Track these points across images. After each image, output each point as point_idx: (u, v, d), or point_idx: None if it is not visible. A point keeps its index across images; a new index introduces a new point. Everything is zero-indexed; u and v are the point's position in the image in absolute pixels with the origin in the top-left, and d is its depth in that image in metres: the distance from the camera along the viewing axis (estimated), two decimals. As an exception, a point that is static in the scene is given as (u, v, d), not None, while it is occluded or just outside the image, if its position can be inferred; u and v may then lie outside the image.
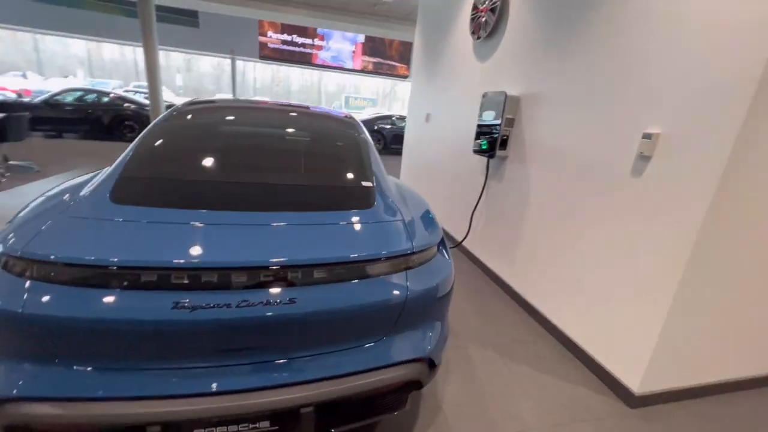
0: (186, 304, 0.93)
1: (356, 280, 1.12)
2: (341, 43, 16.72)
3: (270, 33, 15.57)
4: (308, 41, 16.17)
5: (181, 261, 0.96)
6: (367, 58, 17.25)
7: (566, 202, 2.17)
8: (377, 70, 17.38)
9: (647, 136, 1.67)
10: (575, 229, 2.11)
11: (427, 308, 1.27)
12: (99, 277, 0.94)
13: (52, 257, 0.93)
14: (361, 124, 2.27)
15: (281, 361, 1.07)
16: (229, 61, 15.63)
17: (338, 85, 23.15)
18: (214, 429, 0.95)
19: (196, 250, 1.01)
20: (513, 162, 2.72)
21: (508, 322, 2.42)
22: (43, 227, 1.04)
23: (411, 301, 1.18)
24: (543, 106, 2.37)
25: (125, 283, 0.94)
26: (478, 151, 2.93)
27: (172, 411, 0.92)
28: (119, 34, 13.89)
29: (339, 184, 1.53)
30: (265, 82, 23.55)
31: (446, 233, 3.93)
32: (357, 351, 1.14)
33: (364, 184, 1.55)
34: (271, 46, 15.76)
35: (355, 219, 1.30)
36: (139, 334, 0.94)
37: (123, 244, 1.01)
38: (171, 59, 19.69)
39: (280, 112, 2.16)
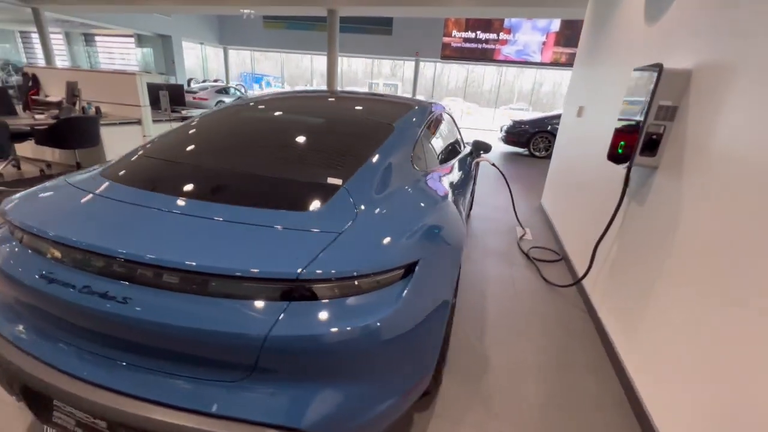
0: (44, 274, 0.93)
1: (210, 297, 0.87)
2: (530, 34, 15.20)
3: (454, 32, 15.68)
4: (491, 36, 15.43)
5: (61, 234, 0.96)
6: (560, 49, 15.11)
7: (756, 260, 1.16)
8: (572, 62, 14.99)
9: None
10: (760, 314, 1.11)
11: (313, 360, 0.89)
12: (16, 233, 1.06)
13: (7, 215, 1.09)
14: (421, 116, 1.88)
15: (120, 362, 0.94)
16: (431, 64, 16.64)
17: (536, 83, 21.38)
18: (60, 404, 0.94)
19: (90, 227, 1.00)
20: (666, 175, 1.71)
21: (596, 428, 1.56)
22: (46, 185, 1.26)
23: (279, 342, 0.84)
24: (738, 83, 1.34)
25: (23, 243, 1.04)
26: (613, 158, 1.99)
27: (24, 371, 0.94)
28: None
29: (305, 179, 1.26)
30: (459, 83, 24.11)
31: (569, 265, 2.96)
32: (201, 384, 0.90)
33: (331, 181, 1.23)
34: (453, 45, 15.87)
35: (274, 221, 1.02)
36: (15, 290, 1.00)
37: (59, 210, 1.09)
38: (373, 65, 22.80)
39: (325, 101, 2.03)
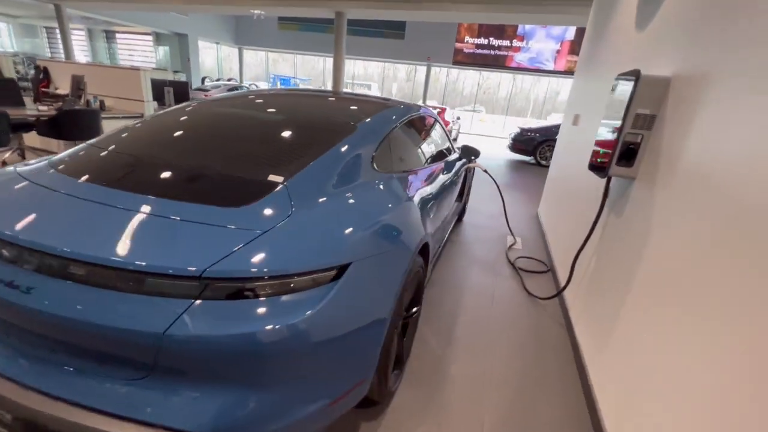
0: None
1: (112, 290, 0.84)
2: (544, 42, 15.05)
3: (467, 38, 15.61)
4: (504, 43, 15.32)
5: None
6: (574, 58, 14.90)
7: (731, 281, 1.09)
8: (584, 71, 14.74)
9: None
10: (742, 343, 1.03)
11: (216, 363, 0.85)
12: None
13: None
14: (393, 117, 1.85)
15: (24, 353, 0.91)
16: (442, 70, 16.55)
17: (553, 92, 21.11)
18: None
19: (25, 216, 0.98)
20: (642, 187, 1.63)
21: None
22: None
23: (177, 342, 0.80)
24: (717, 90, 1.26)
25: None
26: (593, 167, 1.91)
27: None
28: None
29: (246, 175, 1.22)
30: (474, 89, 23.93)
31: (555, 277, 2.86)
32: (105, 381, 0.87)
33: (272, 179, 1.19)
34: (465, 51, 15.80)
35: (198, 216, 0.99)
36: None
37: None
38: (389, 69, 22.87)
39: (296, 100, 2.00)
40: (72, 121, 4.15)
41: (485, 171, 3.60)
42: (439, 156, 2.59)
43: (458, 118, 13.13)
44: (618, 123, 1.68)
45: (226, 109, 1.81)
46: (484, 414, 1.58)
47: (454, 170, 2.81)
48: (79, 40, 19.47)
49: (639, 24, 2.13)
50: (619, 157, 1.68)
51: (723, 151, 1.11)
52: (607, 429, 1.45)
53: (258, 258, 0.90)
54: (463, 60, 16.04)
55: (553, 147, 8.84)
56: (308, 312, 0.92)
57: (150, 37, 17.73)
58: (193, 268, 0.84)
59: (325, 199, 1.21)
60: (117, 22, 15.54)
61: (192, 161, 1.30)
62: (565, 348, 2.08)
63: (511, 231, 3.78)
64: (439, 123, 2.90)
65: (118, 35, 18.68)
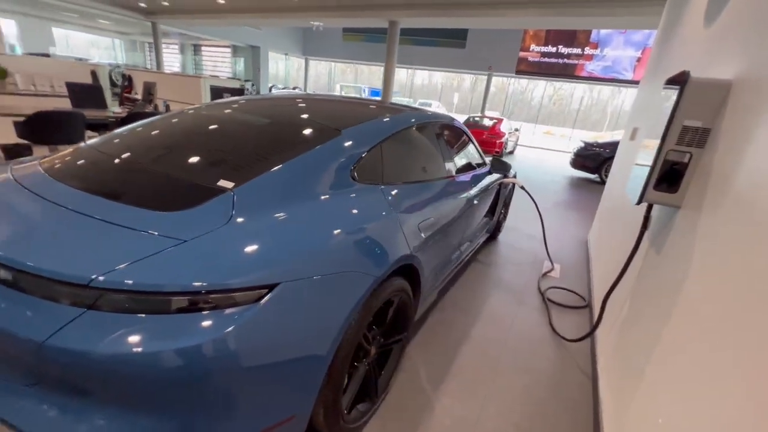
0: None
1: (17, 292, 0.81)
2: (621, 49, 13.73)
3: (532, 46, 14.81)
4: (575, 51, 14.24)
5: None
6: (657, 66, 13.36)
7: None
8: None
9: None
10: None
11: (99, 382, 0.78)
12: None
13: None
14: (394, 123, 1.72)
15: None
16: (509, 80, 15.94)
17: (624, 103, 19.29)
18: None
19: None
20: (689, 216, 1.28)
21: None
22: None
23: (56, 353, 0.74)
24: None
25: None
26: (635, 193, 1.57)
27: None
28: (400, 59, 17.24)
29: (195, 179, 1.15)
30: (544, 100, 22.68)
31: (591, 315, 2.46)
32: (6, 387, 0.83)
33: (220, 184, 1.10)
34: (529, 59, 14.99)
35: (119, 217, 0.94)
36: None
37: None
38: (448, 78, 22.61)
39: (290, 104, 1.94)
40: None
41: (522, 187, 3.26)
42: (460, 168, 2.37)
43: (516, 130, 12.42)
44: (657, 139, 1.35)
45: (213, 112, 1.79)
46: (461, 473, 1.34)
47: (480, 184, 2.56)
48: (173, 53, 22.11)
49: (708, 18, 1.74)
50: (658, 180, 1.35)
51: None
52: None
53: (164, 270, 0.82)
54: (526, 69, 15.23)
55: (621, 164, 7.97)
56: (211, 336, 0.81)
57: (229, 50, 19.54)
58: (81, 275, 0.78)
59: (278, 209, 1.10)
60: (202, 36, 17.39)
61: (151, 163, 1.27)
62: (584, 405, 1.73)
63: (549, 256, 3.37)
64: (465, 133, 2.68)
65: (203, 48, 20.88)
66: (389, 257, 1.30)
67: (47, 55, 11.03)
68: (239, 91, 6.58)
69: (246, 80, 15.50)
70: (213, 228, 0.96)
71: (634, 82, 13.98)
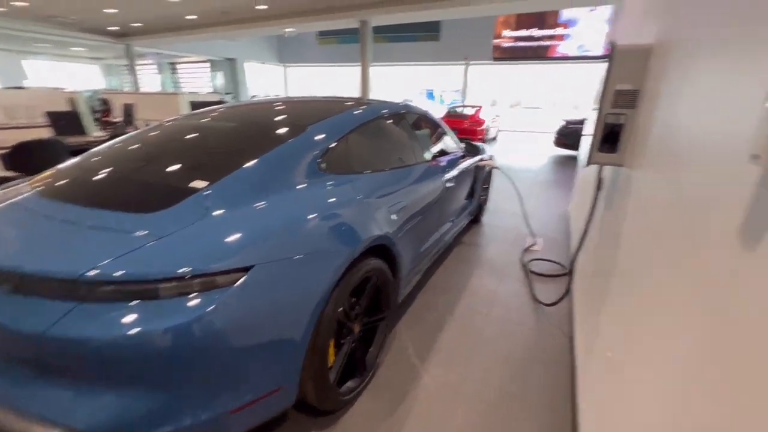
0: None
1: (19, 294, 0.92)
2: (590, 26, 13.94)
3: (504, 32, 14.98)
4: (546, 33, 14.43)
5: None
6: (628, 40, 13.56)
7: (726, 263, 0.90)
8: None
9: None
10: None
11: (97, 363, 0.89)
12: None
13: None
14: (357, 116, 1.82)
15: None
16: (486, 68, 15.97)
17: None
18: None
19: None
20: (629, 173, 1.40)
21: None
22: None
23: (57, 342, 0.86)
24: (695, 60, 1.04)
25: None
26: (585, 157, 1.70)
27: None
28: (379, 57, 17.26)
29: (172, 182, 1.27)
30: (522, 86, 23.01)
31: (571, 280, 2.58)
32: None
33: (194, 184, 1.21)
34: (504, 45, 15.16)
35: (104, 222, 1.05)
36: None
37: None
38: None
39: (260, 107, 2.08)
40: (119, 145, 4.67)
41: (497, 168, 3.38)
42: (431, 155, 2.48)
43: (497, 116, 12.57)
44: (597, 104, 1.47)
45: (188, 122, 1.91)
46: (448, 430, 1.45)
47: (454, 169, 2.67)
48: (152, 73, 21.97)
49: (640, -10, 1.87)
50: (601, 142, 1.47)
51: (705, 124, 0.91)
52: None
53: (148, 261, 0.92)
54: (502, 55, 15.40)
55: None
56: (196, 315, 0.91)
57: (207, 65, 19.50)
58: (72, 270, 0.88)
59: (250, 201, 1.20)
60: (178, 54, 17.34)
61: (131, 173, 1.39)
62: (562, 359, 1.85)
63: (530, 231, 3.50)
64: (435, 121, 2.79)
65: (180, 66, 20.80)
66: (359, 237, 1.40)
67: (22, 88, 10.98)
68: (220, 103, 6.64)
69: (227, 93, 15.51)
70: (191, 222, 1.06)
71: (605, 57, 14.17)
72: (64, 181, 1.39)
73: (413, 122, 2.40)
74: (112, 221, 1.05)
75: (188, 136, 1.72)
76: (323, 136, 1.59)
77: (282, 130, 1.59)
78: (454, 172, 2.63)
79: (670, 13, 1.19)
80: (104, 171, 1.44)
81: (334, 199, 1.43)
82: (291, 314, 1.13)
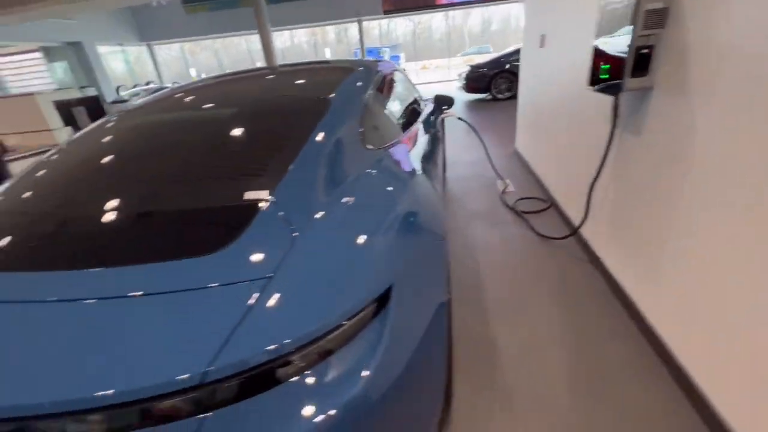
0: None
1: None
2: (470, -30, 14.36)
3: (391, -18, 14.63)
4: (431, -20, 14.49)
5: None
6: (503, -18, 14.38)
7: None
8: (517, -7, 14.33)
9: None
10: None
11: None
12: None
13: None
14: (365, 79, 1.52)
15: None
16: (375, 23, 15.32)
17: (486, 22, 21.08)
18: None
19: None
20: (663, 95, 1.43)
21: (626, 381, 1.37)
22: None
23: None
24: None
25: None
26: (597, 84, 1.69)
27: None
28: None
29: (210, 201, 0.89)
30: (407, 37, 23.19)
31: (560, 212, 2.74)
32: None
33: (250, 196, 0.87)
34: (392, -3, 14.87)
35: (155, 285, 0.68)
36: None
37: None
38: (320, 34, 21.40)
39: (241, 85, 1.62)
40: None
41: (460, 118, 3.34)
42: (417, 113, 2.29)
43: (403, 70, 12.58)
44: (617, 35, 1.44)
45: (157, 117, 1.39)
46: (550, 386, 1.44)
47: (436, 125, 2.53)
48: (-46, 76, 16.68)
49: None
50: (634, 66, 1.46)
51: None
52: (677, 357, 1.35)
53: (276, 324, 0.62)
54: (391, 8, 15.12)
55: (507, 78, 8.68)
56: (365, 371, 0.66)
57: (38, 54, 15.37)
58: (195, 372, 0.54)
59: (326, 206, 0.91)
60: (-8, 44, 13.21)
61: (133, 200, 0.94)
62: (599, 287, 1.96)
63: (498, 174, 3.61)
64: (405, 77, 2.57)
65: (-1, 60, 16.06)
66: (439, 211, 1.20)
67: None
68: (94, 100, 5.31)
69: (81, 87, 12.49)
70: (284, 250, 0.75)
71: (488, 1, 14.92)
72: (36, 234, 0.88)
73: (397, 80, 2.16)
74: (169, 279, 0.68)
75: (180, 136, 1.24)
76: (351, 105, 1.29)
77: (304, 107, 1.24)
78: (438, 125, 2.50)
79: None
80: (97, 210, 0.94)
81: (405, 172, 1.19)
82: (433, 318, 0.91)
